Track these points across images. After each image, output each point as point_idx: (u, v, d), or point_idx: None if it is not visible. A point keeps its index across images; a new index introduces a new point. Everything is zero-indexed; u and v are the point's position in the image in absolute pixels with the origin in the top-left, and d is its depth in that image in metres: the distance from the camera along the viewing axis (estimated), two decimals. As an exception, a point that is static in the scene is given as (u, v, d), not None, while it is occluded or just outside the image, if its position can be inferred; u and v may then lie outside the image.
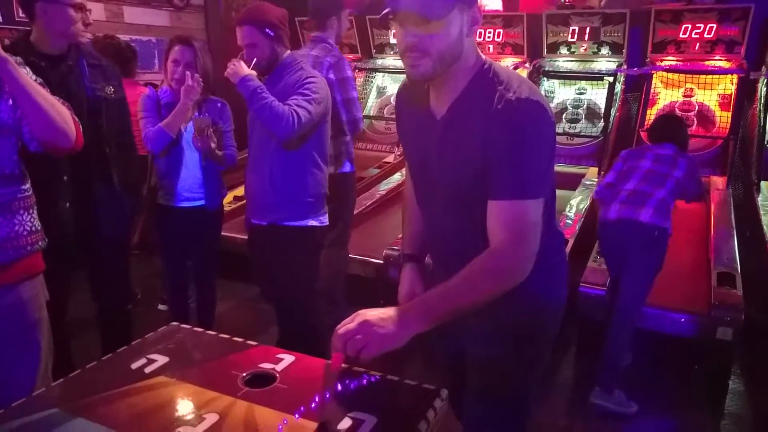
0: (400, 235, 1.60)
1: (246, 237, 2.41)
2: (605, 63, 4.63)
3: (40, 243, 1.58)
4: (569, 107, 4.69)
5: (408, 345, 1.12)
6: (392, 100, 5.16)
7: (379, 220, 3.90)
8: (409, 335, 1.09)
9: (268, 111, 1.96)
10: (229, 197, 3.44)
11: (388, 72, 5.33)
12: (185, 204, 2.42)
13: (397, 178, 4.37)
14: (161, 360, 1.19)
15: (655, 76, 4.48)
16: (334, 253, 2.81)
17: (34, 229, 1.56)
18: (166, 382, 1.12)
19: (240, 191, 3.60)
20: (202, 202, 2.43)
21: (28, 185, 1.57)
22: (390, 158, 4.72)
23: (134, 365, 1.17)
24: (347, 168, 2.85)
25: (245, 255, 2.51)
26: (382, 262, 3.06)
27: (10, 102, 1.47)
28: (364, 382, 1.12)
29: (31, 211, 1.56)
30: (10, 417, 1.01)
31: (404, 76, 1.31)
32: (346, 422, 0.99)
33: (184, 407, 1.05)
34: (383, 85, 5.44)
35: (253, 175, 2.20)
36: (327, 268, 2.60)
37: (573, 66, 4.75)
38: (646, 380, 2.65)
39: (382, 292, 2.88)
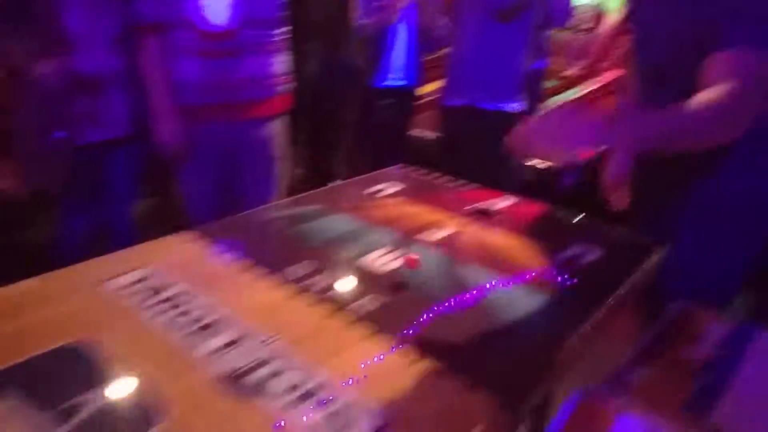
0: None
1: (430, 133, 2.49)
2: None
3: (289, 85, 1.81)
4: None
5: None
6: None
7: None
8: (610, 141, 0.88)
9: None
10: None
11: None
12: (388, 83, 2.52)
13: (571, 93, 4.17)
14: (396, 186, 1.36)
15: None
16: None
17: (286, 71, 1.79)
18: (403, 200, 1.29)
19: (427, 88, 3.68)
20: (403, 83, 2.54)
21: (285, 29, 1.76)
22: (569, 71, 4.50)
23: (369, 189, 1.35)
24: (541, 64, 2.80)
25: (426, 149, 2.59)
26: (549, 168, 3.04)
27: None
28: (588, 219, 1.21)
29: (285, 55, 1.78)
30: (261, 212, 1.23)
31: None
32: (571, 251, 1.08)
33: (423, 218, 1.20)
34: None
35: (458, 52, 2.26)
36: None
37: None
38: None
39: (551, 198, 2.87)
